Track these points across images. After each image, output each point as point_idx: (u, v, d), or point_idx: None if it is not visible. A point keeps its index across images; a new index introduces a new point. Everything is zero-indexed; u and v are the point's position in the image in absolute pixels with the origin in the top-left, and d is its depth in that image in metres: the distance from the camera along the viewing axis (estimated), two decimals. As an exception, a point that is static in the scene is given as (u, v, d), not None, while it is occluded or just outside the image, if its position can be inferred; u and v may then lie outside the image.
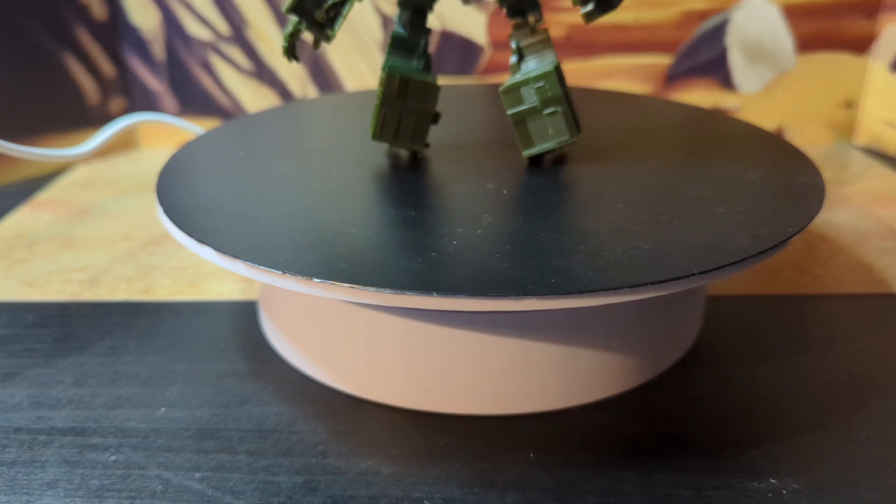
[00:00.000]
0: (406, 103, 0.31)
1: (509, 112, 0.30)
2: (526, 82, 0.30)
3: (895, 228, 0.41)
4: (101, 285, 0.36)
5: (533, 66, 0.30)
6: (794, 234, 0.25)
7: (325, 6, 0.29)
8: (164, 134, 0.57)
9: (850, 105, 0.56)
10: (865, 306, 0.33)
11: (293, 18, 0.29)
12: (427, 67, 0.31)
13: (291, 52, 0.30)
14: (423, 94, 0.30)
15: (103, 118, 0.55)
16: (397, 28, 0.31)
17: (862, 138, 0.56)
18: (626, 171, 0.30)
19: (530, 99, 0.30)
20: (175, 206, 0.28)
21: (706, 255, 0.23)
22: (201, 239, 0.25)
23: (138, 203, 0.46)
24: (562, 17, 0.54)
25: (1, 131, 0.50)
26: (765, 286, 0.35)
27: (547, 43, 0.30)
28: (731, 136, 0.35)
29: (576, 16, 0.54)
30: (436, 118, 0.32)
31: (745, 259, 0.23)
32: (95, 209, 0.46)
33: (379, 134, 0.32)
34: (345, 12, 0.29)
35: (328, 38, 0.29)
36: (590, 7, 0.29)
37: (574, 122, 0.30)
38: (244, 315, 0.33)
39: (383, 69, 0.30)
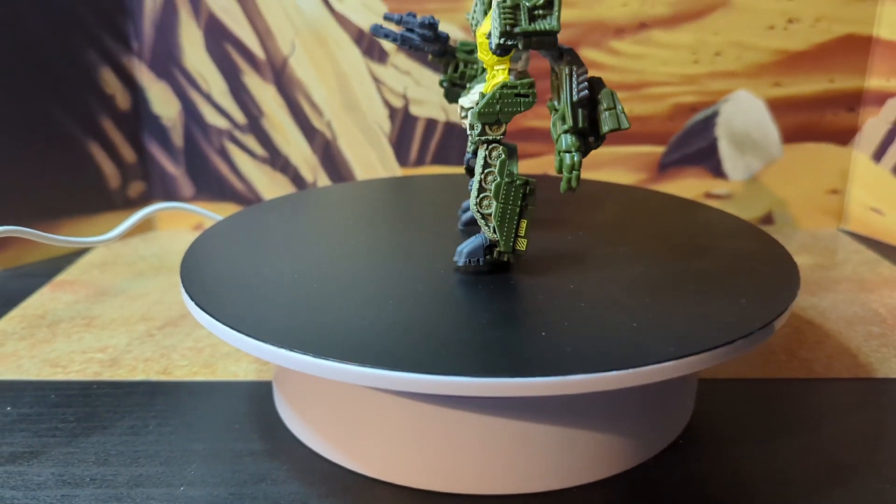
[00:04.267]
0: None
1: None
2: None
3: (881, 314, 0.43)
4: (121, 365, 0.38)
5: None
6: (772, 321, 0.26)
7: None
8: (180, 217, 0.60)
9: (836, 192, 0.59)
10: (852, 390, 0.35)
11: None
12: None
13: None
14: None
15: (123, 202, 0.58)
16: (503, 142, 0.29)
17: (849, 224, 0.59)
18: (613, 262, 0.32)
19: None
20: (198, 290, 0.29)
21: (693, 341, 0.25)
22: (227, 322, 0.26)
23: (155, 284, 0.48)
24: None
25: (26, 215, 0.52)
26: (754, 370, 0.36)
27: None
28: (711, 226, 0.37)
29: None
30: None
31: (716, 348, 0.25)
32: (114, 290, 0.48)
33: (525, 244, 0.30)
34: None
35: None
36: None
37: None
38: (259, 395, 0.34)
39: (516, 179, 0.29)
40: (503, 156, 0.29)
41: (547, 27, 0.26)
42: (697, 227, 0.37)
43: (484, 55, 0.30)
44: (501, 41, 0.26)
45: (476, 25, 0.33)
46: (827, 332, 0.40)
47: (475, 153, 0.35)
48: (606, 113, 0.27)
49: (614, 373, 0.23)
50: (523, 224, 0.29)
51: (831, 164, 0.58)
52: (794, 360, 0.37)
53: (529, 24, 0.26)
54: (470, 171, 0.36)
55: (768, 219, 0.59)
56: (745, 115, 0.57)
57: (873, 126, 0.56)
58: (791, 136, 0.58)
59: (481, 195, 0.29)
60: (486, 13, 0.32)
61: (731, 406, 0.33)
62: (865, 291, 0.46)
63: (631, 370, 0.23)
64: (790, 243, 0.55)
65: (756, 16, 0.55)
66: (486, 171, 0.29)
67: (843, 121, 0.57)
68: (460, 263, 0.30)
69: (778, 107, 0.57)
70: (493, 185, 0.29)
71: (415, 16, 0.33)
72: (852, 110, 0.57)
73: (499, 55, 0.28)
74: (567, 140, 0.27)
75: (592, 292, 0.29)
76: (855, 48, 0.56)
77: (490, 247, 0.30)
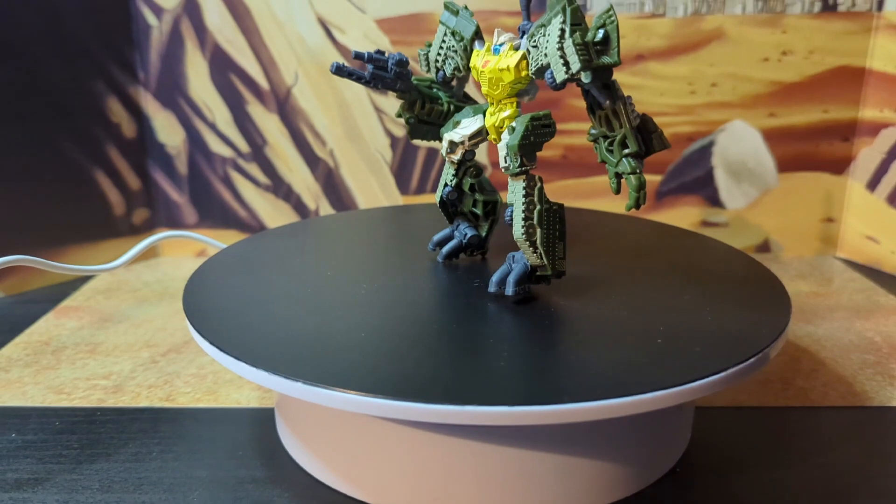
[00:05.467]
0: None
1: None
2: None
3: (876, 342, 0.43)
4: (125, 392, 0.38)
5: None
6: (763, 350, 0.27)
7: None
8: (183, 244, 0.61)
9: (831, 220, 0.59)
10: (847, 419, 0.35)
11: None
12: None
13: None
14: None
15: (127, 229, 0.58)
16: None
17: (844, 251, 0.60)
18: (606, 292, 0.33)
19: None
20: (201, 318, 0.30)
21: (688, 371, 0.25)
22: (229, 351, 0.27)
23: (159, 310, 0.49)
24: (558, 140, 0.58)
25: (32, 241, 0.53)
26: (751, 398, 0.37)
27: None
28: (705, 255, 0.38)
29: (570, 138, 0.58)
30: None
31: (711, 377, 0.25)
32: (118, 316, 0.48)
33: (564, 264, 0.32)
34: None
35: None
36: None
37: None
38: (261, 422, 0.35)
39: (553, 204, 0.31)
40: (539, 183, 0.30)
41: (611, 61, 0.27)
42: (691, 256, 0.38)
43: (493, 90, 0.31)
44: (573, 77, 0.28)
45: (442, 62, 0.34)
46: (822, 361, 0.41)
47: (458, 187, 0.35)
48: (653, 135, 0.29)
49: (608, 402, 0.24)
50: (561, 246, 0.31)
51: (826, 192, 0.59)
52: (791, 389, 0.38)
53: (599, 59, 0.28)
54: (444, 206, 0.36)
55: (765, 246, 0.60)
56: (740, 145, 0.58)
57: (867, 156, 0.57)
58: (786, 165, 0.58)
59: (527, 223, 0.30)
60: (466, 49, 0.33)
61: (728, 434, 0.34)
62: (861, 319, 0.47)
63: (626, 399, 0.24)
64: (786, 271, 0.56)
65: (750, 48, 0.56)
66: (527, 200, 0.30)
67: (838, 150, 0.58)
68: (509, 293, 0.31)
69: (773, 137, 0.58)
70: (536, 212, 0.30)
71: (383, 53, 0.33)
72: (847, 140, 0.58)
73: (557, 89, 0.29)
74: (631, 163, 0.29)
75: (584, 321, 0.30)
76: (848, 79, 0.57)
77: (532, 272, 0.31)
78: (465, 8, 0.34)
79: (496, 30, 0.32)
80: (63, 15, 0.52)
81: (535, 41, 0.29)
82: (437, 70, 0.34)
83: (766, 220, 0.60)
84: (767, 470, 0.31)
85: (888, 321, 0.46)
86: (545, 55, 0.29)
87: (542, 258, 0.31)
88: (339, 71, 0.32)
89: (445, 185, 0.36)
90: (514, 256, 0.32)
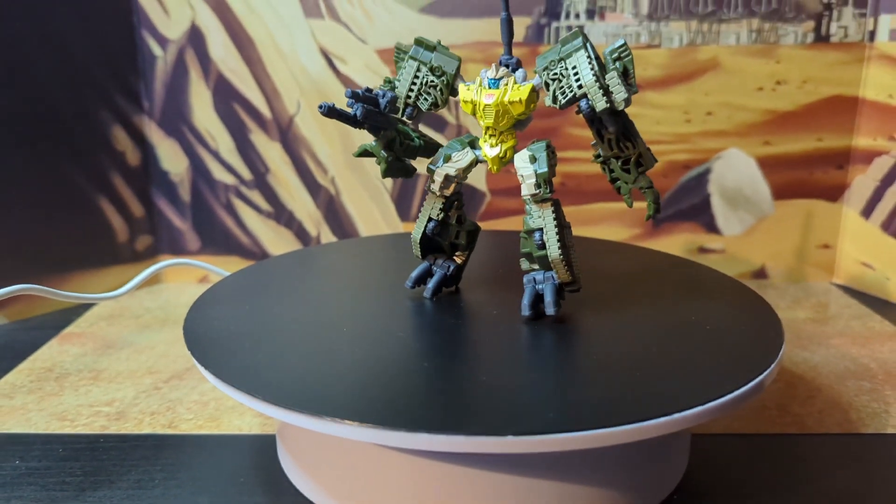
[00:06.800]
0: None
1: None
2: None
3: (871, 368, 0.44)
4: (128, 419, 0.38)
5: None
6: (755, 379, 0.27)
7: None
8: (186, 270, 0.61)
9: (827, 247, 0.60)
10: (843, 445, 0.35)
11: None
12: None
13: None
14: None
15: (130, 255, 0.59)
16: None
17: (840, 278, 0.60)
18: (601, 321, 0.33)
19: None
20: (202, 347, 0.31)
21: (682, 399, 0.26)
22: (229, 381, 0.27)
23: (161, 337, 0.49)
24: (557, 168, 0.58)
25: (37, 268, 0.54)
26: (747, 425, 0.37)
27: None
28: (699, 283, 0.39)
29: (569, 166, 0.59)
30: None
31: (704, 405, 0.26)
32: (121, 342, 0.49)
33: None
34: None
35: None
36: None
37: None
38: (263, 449, 0.35)
39: (569, 224, 0.33)
40: (559, 207, 0.33)
41: (634, 91, 0.31)
42: (685, 285, 0.39)
43: (498, 122, 0.32)
44: (613, 105, 0.30)
45: (415, 98, 0.33)
46: (818, 387, 0.41)
47: (444, 221, 0.35)
48: (649, 152, 0.33)
49: (600, 431, 0.24)
50: (577, 261, 0.33)
51: (822, 219, 0.60)
52: (787, 415, 0.38)
53: (630, 89, 0.31)
54: (424, 241, 0.36)
55: (761, 273, 0.61)
56: (736, 173, 0.59)
57: (862, 183, 0.58)
58: (782, 192, 0.59)
59: (560, 244, 0.32)
60: (448, 85, 0.33)
61: (724, 461, 0.34)
62: (857, 346, 0.47)
63: (619, 428, 0.24)
64: (782, 297, 0.56)
65: (745, 77, 0.57)
66: (557, 223, 0.32)
67: (833, 178, 0.59)
68: (552, 312, 0.32)
69: (768, 164, 0.59)
70: (565, 232, 0.32)
71: (371, 91, 0.33)
72: (841, 168, 0.59)
73: (587, 117, 0.31)
74: (647, 178, 0.33)
75: (578, 351, 0.30)
76: (842, 108, 0.57)
77: (561, 289, 0.33)
78: (440, 42, 0.34)
79: (493, 64, 0.32)
80: (70, 45, 0.53)
81: (554, 74, 0.31)
82: (407, 106, 0.34)
83: (762, 247, 0.60)
84: (764, 497, 0.31)
85: (884, 347, 0.47)
86: (578, 87, 0.31)
87: (572, 275, 0.32)
88: (329, 112, 0.31)
89: (430, 219, 0.35)
90: (535, 278, 0.33)
